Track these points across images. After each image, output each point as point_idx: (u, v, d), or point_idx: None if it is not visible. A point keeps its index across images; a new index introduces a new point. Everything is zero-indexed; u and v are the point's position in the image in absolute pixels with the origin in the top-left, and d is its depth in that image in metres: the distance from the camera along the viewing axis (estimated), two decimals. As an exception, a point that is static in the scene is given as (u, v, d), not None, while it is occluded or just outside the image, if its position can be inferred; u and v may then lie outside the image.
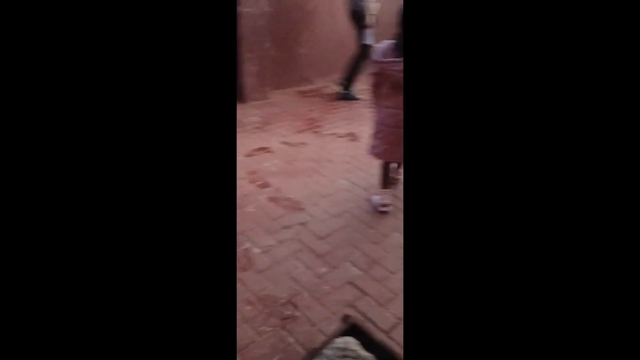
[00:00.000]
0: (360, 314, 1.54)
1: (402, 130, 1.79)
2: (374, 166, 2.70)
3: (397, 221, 2.12)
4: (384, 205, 2.14)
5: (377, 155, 2.06)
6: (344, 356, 0.83)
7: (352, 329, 0.98)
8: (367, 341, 0.96)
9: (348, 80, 3.89)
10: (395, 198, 2.29)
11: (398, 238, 1.98)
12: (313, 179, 2.52)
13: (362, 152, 2.89)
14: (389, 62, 1.77)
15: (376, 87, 1.93)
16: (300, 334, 1.44)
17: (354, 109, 3.76)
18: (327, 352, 0.84)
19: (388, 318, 1.52)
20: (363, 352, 0.85)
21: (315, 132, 3.25)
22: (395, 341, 1.42)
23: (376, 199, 2.18)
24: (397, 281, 1.70)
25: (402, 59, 1.71)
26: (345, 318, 1.06)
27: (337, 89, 4.08)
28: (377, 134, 2.00)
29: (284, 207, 2.21)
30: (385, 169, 2.16)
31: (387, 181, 2.19)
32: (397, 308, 1.57)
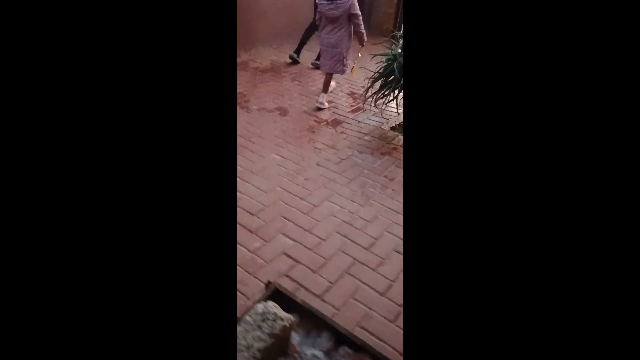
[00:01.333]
0: (295, 282, 1.59)
1: (333, 49, 3.09)
2: (304, 138, 2.72)
3: (326, 191, 2.18)
4: (322, 104, 3.20)
5: (321, 68, 3.28)
6: (264, 320, 0.86)
7: (275, 295, 1.02)
8: (289, 303, 1.00)
9: (301, 45, 4.20)
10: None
11: (328, 207, 2.05)
12: (242, 155, 2.48)
13: (291, 126, 2.89)
14: (323, 4, 2.99)
15: (319, 22, 3.15)
16: (237, 309, 1.45)
17: (283, 83, 3.71)
18: (247, 318, 0.87)
19: (321, 283, 1.59)
20: (282, 313, 0.89)
21: (243, 107, 3.17)
22: (329, 303, 1.50)
23: (319, 99, 3.21)
24: (328, 248, 1.78)
25: (332, 2, 2.94)
26: (268, 285, 1.10)
27: (268, 61, 4.03)
28: (321, 53, 3.23)
29: (214, 186, 2.16)
30: (328, 78, 3.22)
31: (326, 88, 3.23)
32: (329, 272, 1.65)
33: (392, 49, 2.84)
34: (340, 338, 1.37)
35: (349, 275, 1.64)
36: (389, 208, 2.08)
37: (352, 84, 3.81)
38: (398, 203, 2.13)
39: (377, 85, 2.90)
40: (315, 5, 3.53)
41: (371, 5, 5.53)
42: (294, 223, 1.92)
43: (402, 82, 2.65)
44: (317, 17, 3.16)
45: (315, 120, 3.03)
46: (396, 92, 2.80)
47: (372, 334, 1.40)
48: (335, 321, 1.39)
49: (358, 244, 1.82)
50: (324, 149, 2.63)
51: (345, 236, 1.86)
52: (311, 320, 1.43)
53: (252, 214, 1.96)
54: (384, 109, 3.12)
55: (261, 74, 3.88)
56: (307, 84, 3.74)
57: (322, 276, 1.63)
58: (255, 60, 4.22)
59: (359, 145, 2.72)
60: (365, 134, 2.88)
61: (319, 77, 3.82)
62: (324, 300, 1.52)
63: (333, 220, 1.96)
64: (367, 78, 3.05)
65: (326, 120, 3.05)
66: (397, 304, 1.52)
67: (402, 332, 1.41)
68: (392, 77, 2.74)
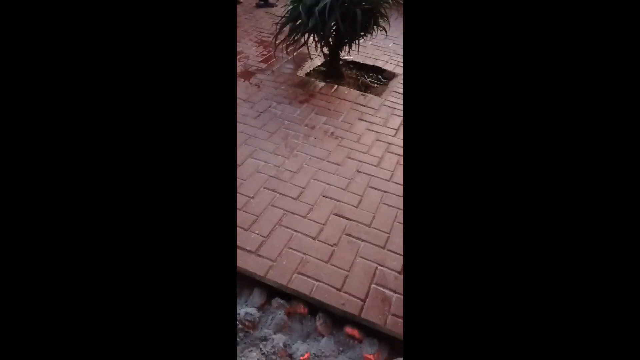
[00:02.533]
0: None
1: None
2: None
3: (248, 148, 2.12)
4: None
5: None
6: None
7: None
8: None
9: None
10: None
11: (252, 164, 2.01)
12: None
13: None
14: None
15: None
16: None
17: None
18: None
19: (254, 239, 1.60)
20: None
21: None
22: (265, 257, 1.53)
23: None
24: (257, 204, 1.77)
25: None
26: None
27: None
28: None
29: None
30: None
31: None
32: (261, 228, 1.66)
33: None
34: (273, 290, 1.42)
35: (281, 226, 1.67)
36: (313, 156, 2.11)
37: (260, 32, 3.59)
38: (321, 150, 2.16)
39: (287, 30, 2.77)
40: None
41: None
42: (218, 185, 1.86)
43: (309, 25, 2.56)
44: None
45: (226, 75, 2.84)
46: (306, 36, 2.71)
47: (310, 277, 1.47)
48: (264, 277, 1.43)
49: (287, 196, 1.83)
50: (240, 104, 2.51)
51: (273, 190, 1.86)
52: (242, 282, 1.45)
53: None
54: (295, 55, 3.02)
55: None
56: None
57: (254, 232, 1.63)
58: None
59: (275, 95, 2.65)
60: (281, 83, 2.80)
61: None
62: (259, 255, 1.54)
63: (259, 176, 1.94)
64: (274, 23, 2.89)
65: (237, 73, 2.88)
66: (330, 245, 1.60)
67: (337, 270, 1.50)
68: (299, 20, 2.63)
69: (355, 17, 2.52)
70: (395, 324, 1.33)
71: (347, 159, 2.11)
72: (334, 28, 2.64)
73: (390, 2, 2.67)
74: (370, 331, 1.31)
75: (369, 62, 3.23)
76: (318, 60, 3.13)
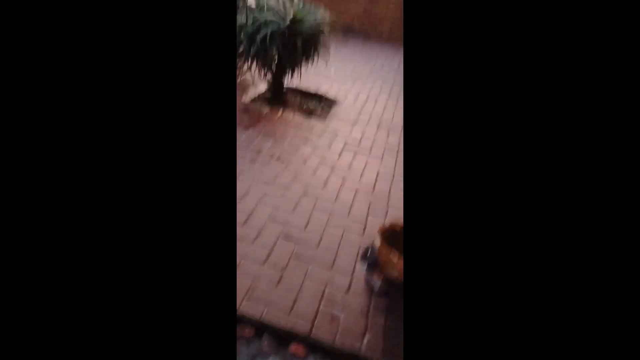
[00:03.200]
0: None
1: None
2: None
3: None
4: None
5: None
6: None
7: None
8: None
9: None
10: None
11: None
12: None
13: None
14: None
15: None
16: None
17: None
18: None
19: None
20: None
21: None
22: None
23: None
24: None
25: None
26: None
27: None
28: None
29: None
30: None
31: None
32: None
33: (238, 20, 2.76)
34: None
35: (228, 254, 1.65)
36: (260, 180, 2.12)
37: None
38: (267, 174, 2.19)
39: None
40: None
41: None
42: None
43: (251, 52, 2.62)
44: None
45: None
46: (249, 63, 2.76)
47: (260, 302, 1.46)
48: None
49: (233, 222, 1.82)
50: (183, 130, 2.47)
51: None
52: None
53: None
54: (239, 82, 3.06)
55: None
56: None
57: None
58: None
59: (220, 121, 2.64)
60: (226, 109, 2.80)
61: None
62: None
63: (204, 203, 1.90)
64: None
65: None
66: (279, 269, 1.61)
67: (286, 293, 1.51)
68: (242, 48, 2.69)
69: (296, 46, 2.64)
70: (343, 341, 1.36)
71: (294, 182, 2.16)
72: (276, 56, 2.73)
73: (328, 32, 2.83)
74: (316, 348, 1.33)
75: (313, 88, 3.35)
76: (262, 87, 3.19)
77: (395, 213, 2.05)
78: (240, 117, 2.74)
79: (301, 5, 2.76)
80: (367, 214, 2.02)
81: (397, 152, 2.64)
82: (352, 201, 2.09)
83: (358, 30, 4.99)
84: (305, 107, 3.08)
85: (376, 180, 2.31)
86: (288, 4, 2.72)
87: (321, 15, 2.76)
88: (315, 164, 2.35)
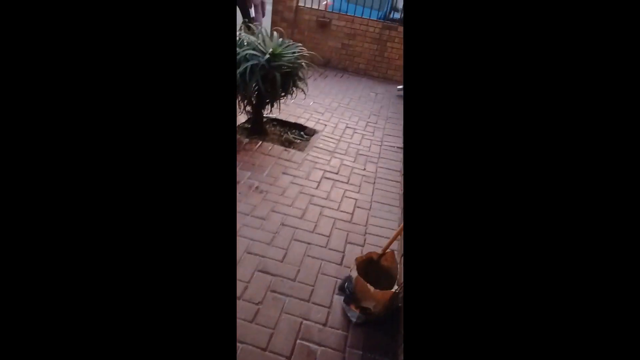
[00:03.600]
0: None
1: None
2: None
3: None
4: None
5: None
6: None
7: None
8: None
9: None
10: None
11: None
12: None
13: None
14: None
15: None
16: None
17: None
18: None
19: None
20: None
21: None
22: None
23: None
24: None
25: None
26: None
27: None
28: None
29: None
30: None
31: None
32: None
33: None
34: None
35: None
36: (238, 211, 2.12)
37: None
38: (245, 205, 2.19)
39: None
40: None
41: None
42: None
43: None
44: None
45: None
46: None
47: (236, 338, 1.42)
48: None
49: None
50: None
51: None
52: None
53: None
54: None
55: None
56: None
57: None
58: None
59: (199, 152, 2.65)
60: (205, 140, 2.81)
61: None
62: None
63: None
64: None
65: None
66: (254, 303, 1.58)
67: (261, 328, 1.48)
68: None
69: (275, 79, 2.71)
70: (321, 379, 1.33)
71: (272, 213, 2.16)
72: (255, 88, 2.79)
73: (306, 66, 2.93)
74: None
75: (292, 119, 3.42)
76: (243, 117, 3.24)
77: (373, 241, 2.07)
78: (219, 148, 2.75)
79: (280, 41, 2.86)
80: (345, 243, 2.03)
81: (374, 181, 2.69)
82: (331, 231, 2.10)
83: (336, 63, 5.18)
84: (284, 137, 3.13)
85: (354, 209, 2.34)
86: (267, 40, 2.82)
87: (299, 50, 2.87)
88: (294, 194, 2.37)
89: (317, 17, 5.05)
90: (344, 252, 1.96)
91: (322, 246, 1.97)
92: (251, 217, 2.10)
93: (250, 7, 4.69)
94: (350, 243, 2.04)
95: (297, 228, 2.07)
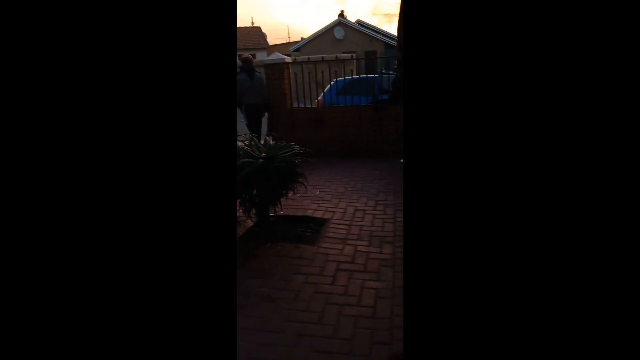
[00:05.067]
0: None
1: None
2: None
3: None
4: None
5: None
6: None
7: None
8: None
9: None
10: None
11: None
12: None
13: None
14: None
15: None
16: None
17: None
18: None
19: None
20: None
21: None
22: None
23: None
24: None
25: None
26: None
27: None
28: None
29: None
30: None
31: None
32: None
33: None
34: None
35: None
36: (248, 329, 1.95)
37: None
38: (256, 319, 2.02)
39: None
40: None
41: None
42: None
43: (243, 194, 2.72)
44: None
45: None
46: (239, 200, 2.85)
47: None
48: None
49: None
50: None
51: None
52: None
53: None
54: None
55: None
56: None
57: None
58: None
59: (207, 267, 2.58)
60: (214, 253, 2.77)
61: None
62: None
63: None
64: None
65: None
66: None
67: None
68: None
69: (273, 180, 2.75)
70: None
71: (286, 323, 1.98)
72: (256, 192, 2.83)
73: (302, 161, 2.99)
74: None
75: (299, 212, 3.39)
76: (250, 222, 3.23)
77: (401, 335, 1.83)
78: (227, 259, 2.68)
79: (272, 144, 2.98)
80: (371, 344, 1.79)
81: (394, 263, 2.51)
82: (352, 333, 1.88)
83: (335, 151, 5.34)
84: (294, 233, 3.06)
85: (375, 301, 2.13)
86: (260, 146, 2.94)
87: (292, 148, 2.96)
88: (309, 296, 2.20)
89: (312, 115, 5.37)
90: (369, 355, 1.72)
91: (344, 354, 1.74)
92: (263, 333, 1.92)
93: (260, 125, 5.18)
94: (376, 343, 1.80)
95: (314, 336, 1.87)
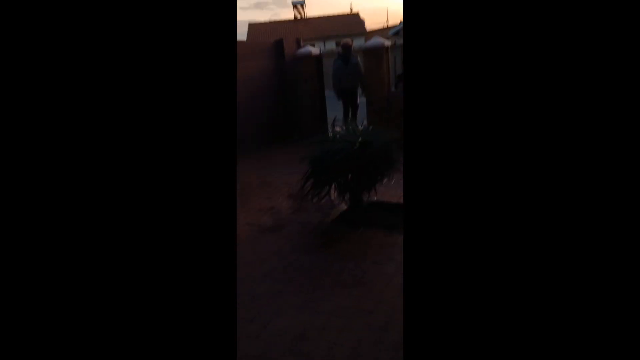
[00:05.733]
0: None
1: None
2: (247, 252, 2.67)
3: (274, 306, 2.08)
4: None
5: None
6: None
7: None
8: None
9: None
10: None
11: (278, 324, 1.94)
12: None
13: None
14: None
15: None
16: None
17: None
18: None
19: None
20: None
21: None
22: None
23: None
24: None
25: None
26: None
27: None
28: None
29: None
30: None
31: None
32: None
33: (314, 150, 3.06)
34: None
35: (307, 400, 1.48)
36: (342, 307, 2.01)
37: (290, 186, 3.95)
38: (350, 299, 2.07)
39: (310, 184, 3.03)
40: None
41: (296, 109, 6.06)
42: (244, 352, 1.76)
43: (328, 178, 2.80)
44: None
45: (258, 231, 3.03)
46: (327, 187, 2.93)
47: None
48: None
49: (314, 359, 1.68)
50: (269, 258, 2.58)
51: (299, 353, 1.73)
52: None
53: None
54: (322, 204, 3.21)
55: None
56: (248, 197, 3.83)
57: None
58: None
59: (303, 245, 2.72)
60: (309, 233, 2.90)
61: (259, 187, 3.94)
62: None
63: (284, 338, 1.84)
64: (299, 179, 3.20)
65: (269, 228, 3.06)
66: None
67: None
68: (320, 175, 2.90)
69: (370, 167, 2.75)
70: None
71: (377, 307, 1.98)
72: (351, 177, 2.86)
73: (394, 148, 2.91)
74: None
75: (394, 200, 3.33)
76: (343, 206, 3.29)
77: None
78: (321, 240, 2.79)
79: (370, 129, 2.97)
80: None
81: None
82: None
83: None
84: (386, 221, 3.03)
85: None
86: (357, 131, 2.95)
87: (389, 134, 2.91)
88: (401, 283, 2.16)
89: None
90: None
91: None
92: (355, 314, 1.96)
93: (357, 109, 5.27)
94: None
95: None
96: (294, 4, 26.01)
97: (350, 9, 28.51)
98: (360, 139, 2.80)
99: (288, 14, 75.79)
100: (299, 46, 6.04)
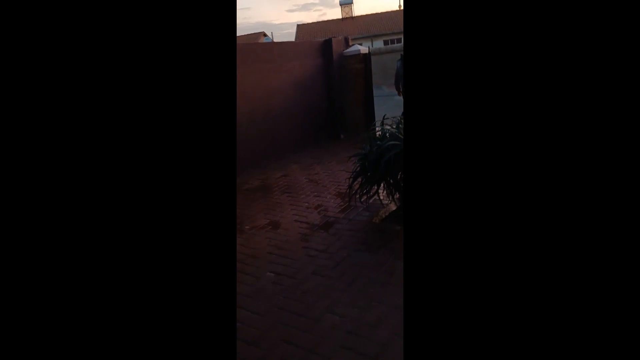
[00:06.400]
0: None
1: None
2: (298, 248, 2.72)
3: (326, 301, 2.10)
4: None
5: None
6: None
7: None
8: None
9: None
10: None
11: (329, 319, 1.95)
12: (237, 278, 2.45)
13: (283, 238, 2.93)
14: None
15: None
16: None
17: (274, 197, 3.87)
18: None
19: (330, 413, 1.43)
20: None
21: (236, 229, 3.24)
22: None
23: None
24: (334, 367, 1.64)
25: None
26: None
27: (258, 181, 4.28)
28: None
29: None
30: None
31: None
32: (338, 398, 1.49)
33: (363, 148, 3.05)
34: None
35: (359, 396, 1.48)
36: (394, 305, 1.98)
37: (338, 185, 3.96)
38: (401, 298, 2.03)
39: (358, 183, 3.03)
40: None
41: (343, 107, 6.06)
42: (295, 345, 1.81)
43: (377, 176, 2.77)
44: None
45: (307, 228, 3.07)
46: (376, 186, 2.90)
47: None
48: None
49: (366, 355, 1.68)
50: (318, 255, 2.61)
51: (351, 349, 1.73)
52: None
53: (249, 344, 1.86)
54: (370, 203, 3.19)
55: (252, 193, 4.08)
56: (297, 194, 3.91)
57: (329, 404, 1.47)
58: (246, 182, 4.48)
59: (353, 243, 2.72)
60: (358, 231, 2.89)
61: (306, 185, 4.00)
62: None
63: (336, 333, 1.85)
64: (348, 178, 3.19)
65: (317, 225, 3.10)
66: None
67: None
68: (369, 173, 2.88)
69: (421, 164, 2.68)
70: None
71: (431, 308, 1.93)
72: (401, 175, 2.80)
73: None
74: None
75: (445, 200, 3.23)
76: (393, 206, 3.24)
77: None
78: (371, 238, 2.77)
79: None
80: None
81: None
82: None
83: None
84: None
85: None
86: (408, 128, 2.89)
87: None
88: (455, 285, 2.09)
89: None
90: None
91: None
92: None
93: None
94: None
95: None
96: (341, 4, 26.05)
97: (399, 6, 27.94)
98: (411, 137, 2.74)
99: (336, 14, 75.90)
100: (347, 45, 6.04)
